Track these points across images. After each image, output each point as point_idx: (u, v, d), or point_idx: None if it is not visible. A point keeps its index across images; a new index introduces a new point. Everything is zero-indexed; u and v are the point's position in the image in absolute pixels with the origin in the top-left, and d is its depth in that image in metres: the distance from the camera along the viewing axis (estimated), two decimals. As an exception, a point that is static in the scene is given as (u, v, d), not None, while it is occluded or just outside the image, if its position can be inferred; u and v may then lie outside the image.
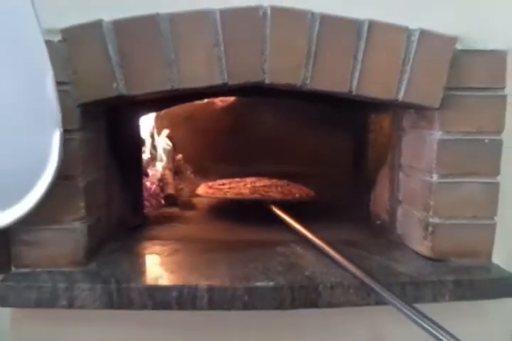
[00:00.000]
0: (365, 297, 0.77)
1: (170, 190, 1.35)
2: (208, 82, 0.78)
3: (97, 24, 0.76)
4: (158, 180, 1.37)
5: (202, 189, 1.29)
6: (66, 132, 0.70)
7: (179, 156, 1.50)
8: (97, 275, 0.79)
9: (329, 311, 0.78)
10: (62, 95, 0.69)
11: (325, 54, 0.79)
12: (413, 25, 0.80)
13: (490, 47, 0.83)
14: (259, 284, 0.76)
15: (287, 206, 1.11)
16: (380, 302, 0.76)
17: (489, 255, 0.88)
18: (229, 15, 0.76)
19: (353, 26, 0.79)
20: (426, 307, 0.69)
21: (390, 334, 0.89)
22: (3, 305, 0.76)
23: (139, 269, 0.85)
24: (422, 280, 0.80)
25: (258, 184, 1.30)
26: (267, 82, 0.79)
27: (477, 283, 0.81)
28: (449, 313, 0.75)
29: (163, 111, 1.42)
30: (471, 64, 0.83)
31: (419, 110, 0.89)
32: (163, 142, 1.49)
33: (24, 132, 0.69)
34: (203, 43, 0.77)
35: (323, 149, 1.34)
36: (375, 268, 0.83)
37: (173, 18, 0.76)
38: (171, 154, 1.49)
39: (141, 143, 1.21)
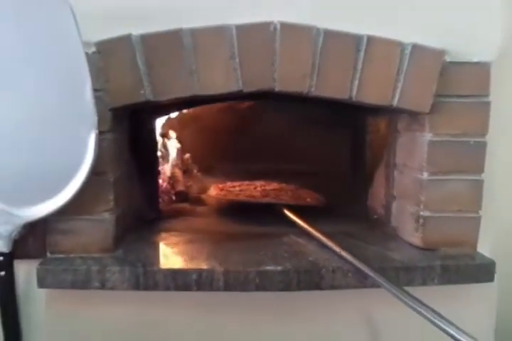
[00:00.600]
0: (362, 280, 0.84)
1: (180, 187, 1.42)
2: (225, 89, 0.86)
3: (127, 38, 0.83)
4: (168, 177, 1.44)
5: (213, 190, 1.30)
6: (99, 133, 0.78)
7: (187, 155, 1.55)
8: (124, 260, 0.87)
9: (330, 293, 0.86)
10: (96, 101, 0.77)
11: (328, 65, 0.86)
12: (406, 39, 0.87)
13: (475, 59, 0.89)
14: (268, 268, 0.84)
15: (298, 210, 1.12)
16: (375, 285, 0.82)
17: (474, 245, 0.94)
18: (243, 30, 0.84)
19: (353, 40, 0.86)
20: (416, 291, 0.76)
21: (383, 314, 0.95)
22: (41, 286, 0.84)
23: (161, 255, 0.93)
24: (413, 265, 0.87)
25: (268, 187, 1.30)
26: (276, 89, 0.87)
27: (462, 268, 0.88)
28: (437, 296, 0.80)
29: (173, 113, 1.48)
30: (458, 74, 0.89)
31: (412, 114, 0.95)
32: (172, 142, 1.56)
33: (65, 133, 0.78)
34: (221, 55, 0.84)
35: (324, 149, 1.36)
36: (372, 256, 0.90)
37: (195, 33, 0.84)
38: (180, 153, 1.56)
39: (156, 142, 1.27)
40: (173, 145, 1.53)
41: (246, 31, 0.85)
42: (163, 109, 1.16)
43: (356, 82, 0.88)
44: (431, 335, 0.74)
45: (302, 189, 1.32)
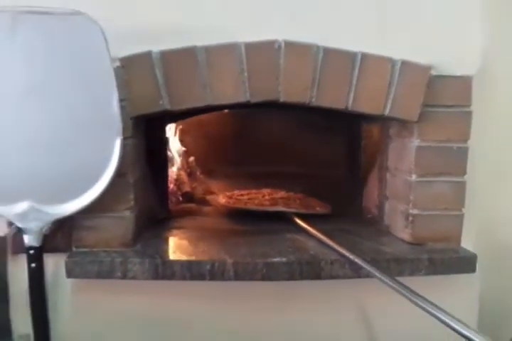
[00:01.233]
0: (358, 271, 0.92)
1: (187, 188, 1.48)
2: (235, 100, 0.94)
3: (147, 54, 0.92)
4: (174, 179, 1.49)
5: (222, 198, 1.31)
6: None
7: (191, 158, 1.59)
8: (143, 253, 0.95)
9: (328, 282, 0.94)
10: (120, 110, 0.85)
11: (327, 78, 0.95)
12: (396, 56, 0.95)
13: (458, 73, 0.97)
14: (274, 260, 0.92)
15: (307, 218, 1.15)
16: (369, 275, 0.88)
17: (458, 240, 1.02)
18: (251, 47, 0.93)
19: (349, 57, 0.95)
20: (406, 280, 0.82)
21: (376, 301, 1.03)
22: (70, 277, 0.93)
23: (176, 249, 1.01)
24: (403, 258, 0.95)
25: (276, 195, 1.31)
26: (281, 100, 0.95)
27: (447, 260, 0.96)
28: (425, 285, 0.83)
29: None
30: (443, 86, 0.97)
31: (402, 122, 1.02)
32: (177, 146, 1.63)
33: (94, 139, 0.86)
34: (231, 70, 0.93)
35: (322, 153, 1.40)
36: (366, 249, 0.98)
37: (208, 50, 0.92)
38: (185, 156, 1.60)
39: (166, 147, 1.34)
40: (178, 148, 1.61)
41: (253, 48, 0.93)
42: (174, 116, 1.24)
43: (352, 94, 0.96)
44: (419, 320, 0.81)
45: (308, 197, 1.33)
